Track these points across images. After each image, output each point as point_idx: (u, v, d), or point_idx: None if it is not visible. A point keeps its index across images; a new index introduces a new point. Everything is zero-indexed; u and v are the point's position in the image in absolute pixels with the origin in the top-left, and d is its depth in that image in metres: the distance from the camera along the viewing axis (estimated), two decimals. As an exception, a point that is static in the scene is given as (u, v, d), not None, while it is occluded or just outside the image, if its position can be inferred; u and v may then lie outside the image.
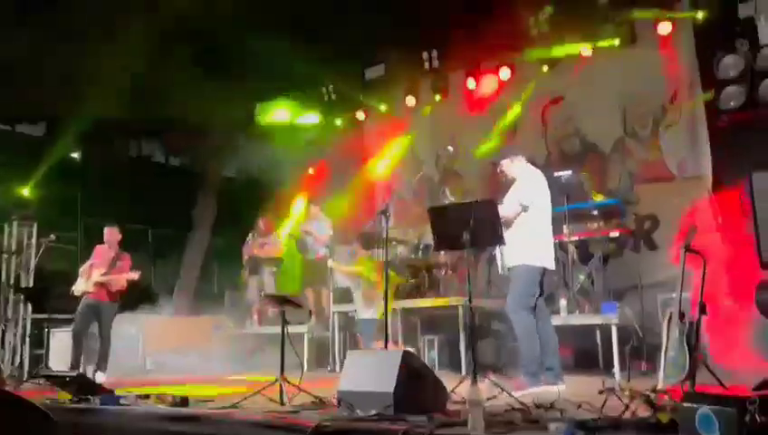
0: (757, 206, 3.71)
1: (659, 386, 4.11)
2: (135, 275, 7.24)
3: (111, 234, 7.44)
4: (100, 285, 7.16)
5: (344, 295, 9.33)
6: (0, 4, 9.60)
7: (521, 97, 9.35)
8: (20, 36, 9.91)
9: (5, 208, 9.49)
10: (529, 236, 4.90)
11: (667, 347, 4.27)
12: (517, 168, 5.18)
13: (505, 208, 4.89)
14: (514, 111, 9.45)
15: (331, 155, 11.26)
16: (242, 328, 9.27)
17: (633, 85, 8.51)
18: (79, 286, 7.25)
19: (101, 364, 7.10)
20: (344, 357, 8.04)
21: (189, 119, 11.81)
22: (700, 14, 7.49)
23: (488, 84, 9.53)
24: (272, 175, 11.08)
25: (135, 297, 10.09)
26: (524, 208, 4.91)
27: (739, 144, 6.42)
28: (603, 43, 8.32)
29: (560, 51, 8.63)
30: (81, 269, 7.38)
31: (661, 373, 4.24)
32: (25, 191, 9.86)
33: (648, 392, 3.36)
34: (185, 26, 10.52)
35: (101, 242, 7.58)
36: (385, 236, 5.02)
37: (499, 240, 4.44)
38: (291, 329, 4.64)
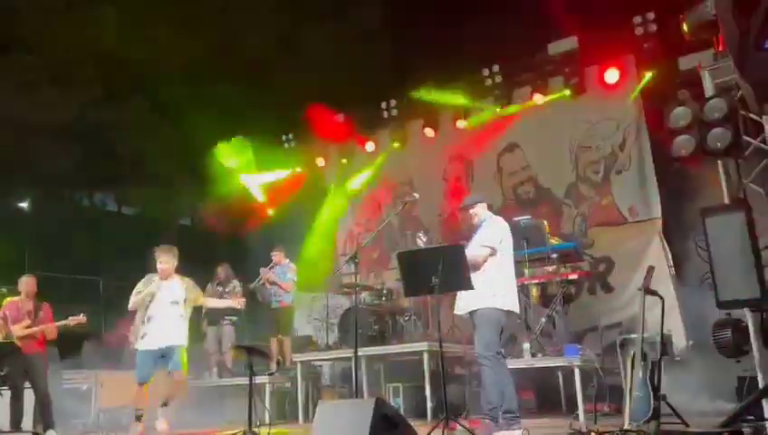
0: (712, 250, 3.90)
1: (625, 426, 4.19)
2: (81, 319, 6.99)
3: (29, 284, 7.14)
4: (28, 337, 6.84)
5: (305, 344, 9.22)
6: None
7: (477, 144, 9.63)
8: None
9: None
10: (494, 279, 4.95)
11: (631, 387, 4.36)
12: (483, 212, 5.27)
13: (475, 252, 4.95)
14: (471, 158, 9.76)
15: (292, 201, 11.30)
16: (200, 380, 8.99)
17: (584, 132, 8.90)
18: None
19: (48, 421, 6.71)
20: (308, 408, 7.99)
21: (142, 167, 11.70)
22: (648, 75, 7.98)
23: (445, 133, 9.82)
24: (230, 221, 11.01)
25: (86, 350, 9.73)
26: (493, 252, 4.98)
27: (689, 190, 6.75)
28: (554, 94, 8.72)
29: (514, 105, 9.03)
30: None
31: (626, 414, 4.32)
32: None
33: (617, 433, 3.42)
34: (137, 78, 10.56)
35: (40, 294, 7.26)
36: (355, 280, 5.00)
37: (467, 284, 4.47)
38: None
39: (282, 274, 8.52)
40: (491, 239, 5.01)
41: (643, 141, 8.42)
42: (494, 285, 4.89)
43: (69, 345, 8.69)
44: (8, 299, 7.16)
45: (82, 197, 13.98)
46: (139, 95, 10.85)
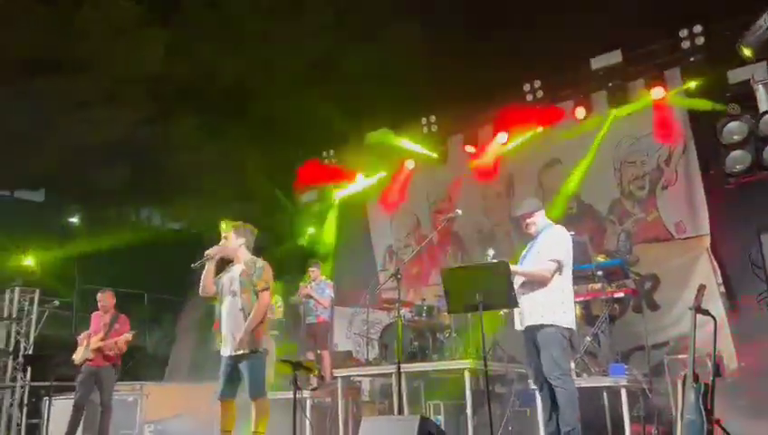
0: (768, 266, 3.78)
1: (678, 450, 4.06)
2: (129, 335, 7.18)
3: (105, 298, 7.41)
4: (98, 350, 7.07)
5: (345, 359, 9.23)
6: (3, 72, 9.87)
7: (517, 161, 9.56)
8: (22, 104, 10.15)
9: (7, 275, 9.45)
10: (558, 294, 4.74)
11: (682, 410, 4.23)
12: (541, 221, 5.04)
13: (541, 266, 4.76)
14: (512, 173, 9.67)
15: (330, 217, 11.40)
16: (242, 394, 9.07)
17: (628, 147, 8.74)
18: (79, 355, 7.16)
19: (104, 432, 6.93)
20: (348, 423, 7.97)
21: (188, 184, 11.96)
22: (692, 84, 7.80)
23: (486, 148, 9.77)
24: (269, 239, 11.13)
25: (132, 364, 9.95)
26: (560, 266, 4.76)
27: (743, 206, 6.53)
28: (597, 110, 8.60)
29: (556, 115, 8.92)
30: (80, 337, 7.30)
31: (678, 437, 4.19)
32: (28, 261, 9.82)
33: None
34: (184, 96, 10.84)
35: (96, 308, 7.52)
36: (398, 297, 4.99)
37: (513, 302, 4.40)
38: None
39: (320, 289, 8.59)
40: (557, 253, 4.79)
41: (690, 156, 8.21)
42: (557, 300, 4.73)
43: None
44: (95, 313, 7.46)
45: (129, 212, 14.35)
46: (184, 113, 11.14)
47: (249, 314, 5.03)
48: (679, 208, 8.28)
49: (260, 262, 5.24)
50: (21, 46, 9.76)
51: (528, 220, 5.04)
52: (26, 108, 10.29)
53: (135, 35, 9.52)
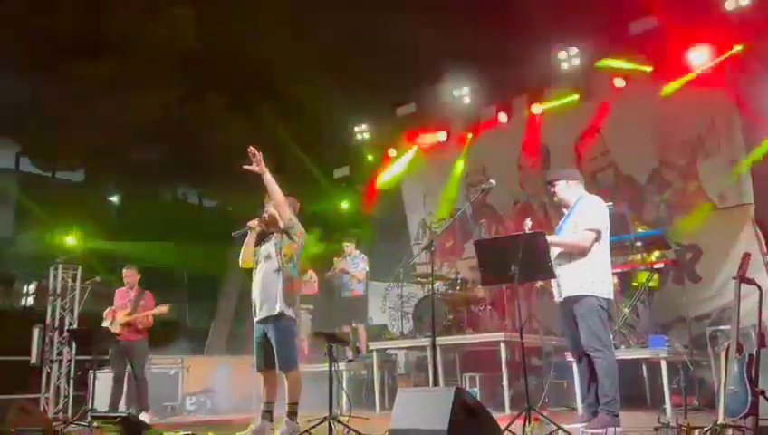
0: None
1: (720, 421, 3.98)
2: (165, 309, 7.32)
3: (130, 275, 7.55)
4: (128, 325, 7.23)
5: (380, 332, 9.29)
6: (44, 56, 10.05)
7: (552, 131, 9.36)
8: (60, 87, 10.34)
9: (50, 252, 9.74)
10: (596, 264, 4.66)
11: (725, 381, 4.13)
12: (576, 190, 4.95)
13: (579, 236, 4.68)
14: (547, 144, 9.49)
15: (364, 192, 11.41)
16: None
17: (668, 115, 8.45)
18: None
19: (143, 404, 7.13)
20: (384, 396, 8.06)
21: (223, 162, 12.06)
22: (739, 52, 7.47)
23: (519, 118, 9.59)
24: (306, 214, 11.21)
25: (172, 338, 10.21)
26: (598, 236, 4.67)
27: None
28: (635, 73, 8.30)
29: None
30: (105, 313, 7.47)
31: (721, 408, 4.09)
32: (70, 240, 10.09)
33: (712, 427, 3.25)
34: (217, 76, 10.89)
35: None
36: (431, 270, 4.97)
37: (549, 272, 4.34)
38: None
39: (354, 263, 8.64)
40: (595, 222, 4.70)
41: (734, 123, 7.91)
42: (596, 270, 4.65)
43: (156, 332, 9.16)
44: (119, 289, 7.64)
45: (166, 191, 14.58)
46: (218, 93, 11.20)
47: (285, 276, 4.89)
48: (722, 177, 8.00)
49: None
50: (57, 30, 9.90)
51: (554, 188, 4.98)
52: (65, 91, 10.48)
53: (167, 14, 9.56)
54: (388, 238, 10.95)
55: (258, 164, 4.79)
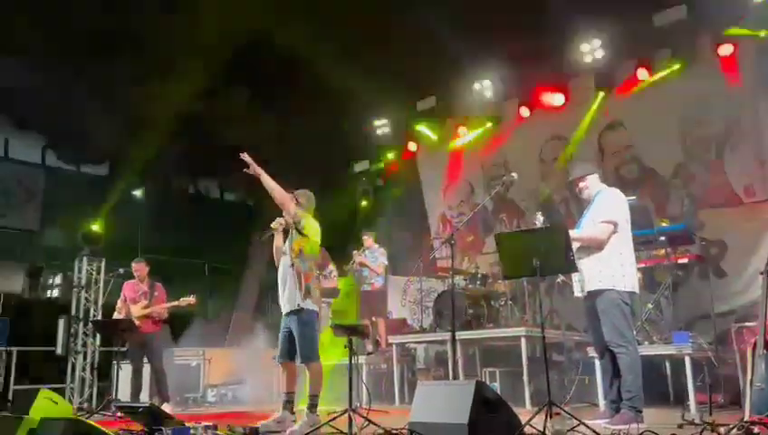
0: None
1: (747, 418, 3.91)
2: (192, 300, 7.37)
3: (140, 268, 7.59)
4: (145, 317, 7.30)
5: (400, 326, 9.30)
6: (67, 51, 10.16)
7: (577, 124, 9.26)
8: (85, 81, 10.46)
9: (75, 245, 9.89)
10: (616, 257, 4.62)
11: (752, 379, 4.05)
12: (595, 185, 4.93)
13: (596, 229, 4.67)
14: (572, 138, 9.38)
15: (383, 186, 11.40)
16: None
17: (693, 108, 8.30)
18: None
19: (164, 395, 7.20)
20: (404, 389, 8.06)
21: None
22: (763, 34, 7.32)
23: (542, 113, 9.50)
24: (327, 207, 11.23)
25: (193, 329, 10.30)
26: (615, 228, 4.64)
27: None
28: (661, 68, 8.18)
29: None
30: (117, 306, 7.53)
31: (747, 406, 4.02)
32: (94, 228, 10.23)
33: (740, 425, 3.20)
34: (239, 69, 10.93)
35: (153, 275, 7.71)
36: (451, 264, 4.95)
37: (571, 266, 4.29)
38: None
39: (373, 257, 8.64)
40: (611, 213, 4.68)
41: (762, 115, 7.75)
42: (615, 263, 4.61)
43: (178, 324, 9.25)
44: (127, 282, 7.71)
45: (188, 184, 14.69)
46: (239, 86, 11.24)
47: (297, 270, 4.93)
48: (749, 171, 7.86)
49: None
50: (82, 25, 10.00)
51: (581, 184, 4.96)
52: (89, 85, 10.59)
53: (187, 6, 9.59)
54: (408, 233, 10.92)
55: (252, 168, 4.90)
